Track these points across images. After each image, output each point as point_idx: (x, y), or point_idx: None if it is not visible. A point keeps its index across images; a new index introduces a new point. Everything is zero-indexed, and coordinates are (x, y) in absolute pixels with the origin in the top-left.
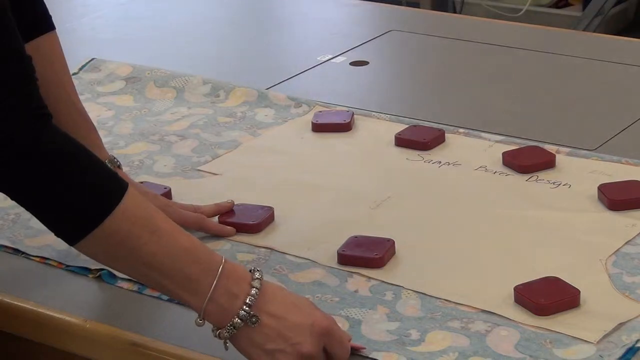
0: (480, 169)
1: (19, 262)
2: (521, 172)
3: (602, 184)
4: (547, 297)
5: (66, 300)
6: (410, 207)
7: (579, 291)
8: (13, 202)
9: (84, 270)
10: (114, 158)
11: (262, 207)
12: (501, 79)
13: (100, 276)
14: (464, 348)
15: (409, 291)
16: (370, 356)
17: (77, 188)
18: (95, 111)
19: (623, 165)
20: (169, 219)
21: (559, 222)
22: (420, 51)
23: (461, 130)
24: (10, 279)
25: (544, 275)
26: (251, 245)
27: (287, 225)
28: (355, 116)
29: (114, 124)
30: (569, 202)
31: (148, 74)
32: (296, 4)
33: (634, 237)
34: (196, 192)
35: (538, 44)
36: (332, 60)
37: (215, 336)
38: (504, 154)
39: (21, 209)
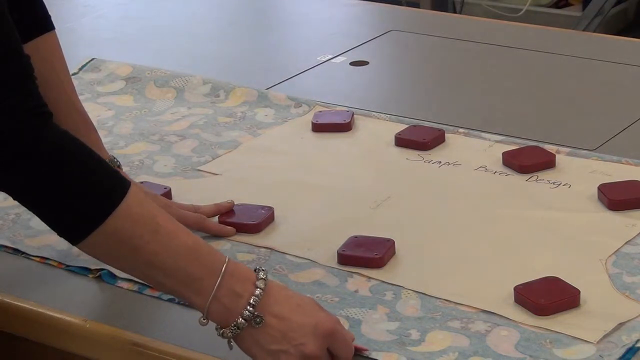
0: (480, 169)
1: (19, 262)
2: (521, 172)
3: (602, 184)
4: (547, 297)
5: (66, 300)
6: (410, 207)
7: (579, 291)
8: (13, 202)
9: (84, 270)
10: (114, 158)
11: (262, 207)
12: (501, 79)
13: (100, 276)
14: (464, 348)
15: (409, 291)
16: (370, 356)
17: (79, 187)
18: (95, 111)
19: (623, 165)
20: (172, 217)
21: (559, 222)
22: (420, 51)
23: (461, 130)
24: (10, 279)
25: (544, 275)
26: (251, 245)
27: (287, 225)
28: (355, 116)
29: (114, 124)
30: (569, 202)
31: (148, 74)
32: (296, 4)
33: (634, 237)
34: (196, 192)
35: (538, 44)
36: (332, 60)
37: (219, 335)
38: (504, 154)
39: (21, 209)
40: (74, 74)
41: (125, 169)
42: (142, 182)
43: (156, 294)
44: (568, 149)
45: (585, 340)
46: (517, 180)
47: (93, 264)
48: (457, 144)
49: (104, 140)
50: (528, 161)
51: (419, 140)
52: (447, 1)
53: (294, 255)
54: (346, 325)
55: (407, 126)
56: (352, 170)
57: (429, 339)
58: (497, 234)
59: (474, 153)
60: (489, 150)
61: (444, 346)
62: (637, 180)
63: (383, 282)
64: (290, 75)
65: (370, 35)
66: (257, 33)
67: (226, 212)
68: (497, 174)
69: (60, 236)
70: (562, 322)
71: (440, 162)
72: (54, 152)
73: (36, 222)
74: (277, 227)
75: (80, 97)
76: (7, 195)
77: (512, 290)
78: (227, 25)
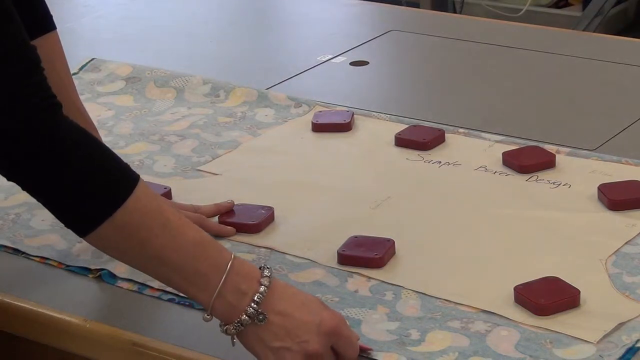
0: (480, 169)
1: (19, 262)
2: (521, 172)
3: (602, 184)
4: (547, 297)
5: (66, 300)
6: (410, 207)
7: (579, 291)
8: (13, 202)
9: (84, 270)
10: None
11: (262, 207)
12: (501, 79)
13: (100, 276)
14: (464, 348)
15: (409, 291)
16: (370, 356)
17: (89, 179)
18: (95, 111)
19: (623, 165)
20: (179, 212)
21: (559, 222)
22: (420, 51)
23: (461, 130)
24: (10, 279)
25: (544, 275)
26: (251, 245)
27: (287, 225)
28: (355, 116)
29: (114, 124)
30: (569, 202)
31: (148, 74)
32: (296, 4)
33: (634, 237)
34: (196, 192)
35: (538, 44)
36: (332, 60)
37: (223, 332)
38: (504, 154)
39: (22, 209)
40: (74, 74)
41: None
42: None
43: (156, 294)
44: (568, 149)
45: (585, 340)
46: (517, 180)
47: (93, 264)
48: (457, 144)
49: (104, 140)
50: (528, 161)
51: (419, 140)
52: (447, 1)
53: (294, 255)
54: None
55: (407, 126)
56: (352, 170)
57: (429, 339)
58: (497, 234)
59: (474, 153)
60: (489, 150)
61: (444, 346)
62: (637, 180)
63: (383, 282)
64: (290, 75)
65: (370, 35)
66: (257, 33)
67: (226, 212)
68: (497, 174)
69: (68, 228)
70: (562, 322)
71: (440, 162)
72: (64, 143)
73: (36, 222)
74: (277, 227)
75: (81, 97)
76: (7, 195)
77: (512, 290)
78: (227, 25)
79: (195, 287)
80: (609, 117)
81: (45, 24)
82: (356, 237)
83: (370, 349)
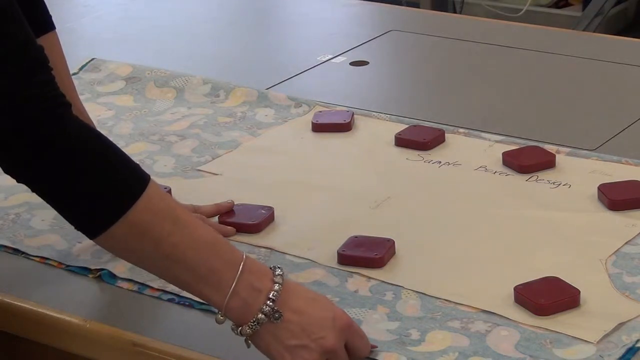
0: (480, 169)
1: (19, 262)
2: (521, 172)
3: (602, 184)
4: (547, 297)
5: (66, 300)
6: (410, 207)
7: (579, 291)
8: (13, 202)
9: (84, 270)
10: None
11: (262, 207)
12: (501, 79)
13: (100, 276)
14: (464, 348)
15: (409, 291)
16: (370, 356)
17: (100, 178)
18: (95, 111)
19: (623, 165)
20: (190, 212)
21: (559, 222)
22: (420, 51)
23: (461, 130)
24: (10, 279)
25: (544, 275)
26: (251, 245)
27: (287, 225)
28: (355, 116)
29: (114, 124)
30: (569, 202)
31: (148, 74)
32: (296, 4)
33: (634, 237)
34: (196, 192)
35: (538, 44)
36: (332, 60)
37: (237, 333)
38: (504, 154)
39: (22, 209)
40: (74, 74)
41: None
42: None
43: (156, 294)
44: (568, 149)
45: (585, 340)
46: (517, 180)
47: (93, 264)
48: (457, 144)
49: None
50: (528, 161)
51: (419, 140)
52: (447, 1)
53: (294, 255)
54: None
55: (407, 126)
56: (352, 170)
57: (429, 338)
58: (497, 234)
59: (474, 153)
60: (489, 150)
61: (444, 346)
62: (637, 180)
63: (383, 282)
64: (290, 75)
65: (370, 35)
66: (257, 33)
67: (226, 212)
68: (497, 174)
69: (79, 229)
70: (562, 322)
71: (440, 162)
72: (75, 142)
73: (36, 222)
74: (277, 227)
75: (81, 97)
76: (7, 195)
77: (512, 290)
78: (227, 25)
79: (209, 287)
80: (609, 117)
81: (44, 24)
82: (356, 237)
83: (375, 346)
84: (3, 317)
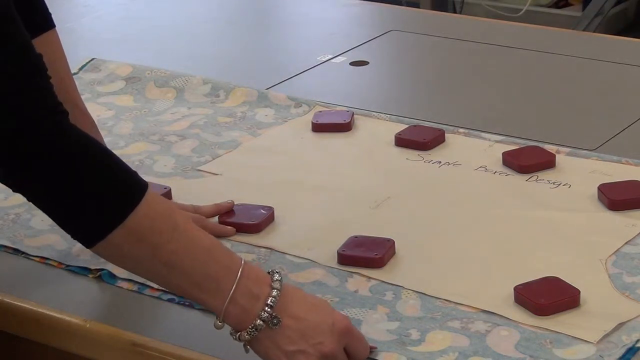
0: (480, 169)
1: (19, 262)
2: (521, 172)
3: (602, 184)
4: (547, 297)
5: (66, 300)
6: (410, 207)
7: (579, 291)
8: (13, 202)
9: (84, 270)
10: None
11: (262, 207)
12: (501, 79)
13: (100, 276)
14: (464, 348)
15: (409, 291)
16: (370, 356)
17: (99, 185)
18: (95, 111)
19: (623, 165)
20: (188, 218)
21: (559, 222)
22: (420, 51)
23: (461, 130)
24: (10, 279)
25: (544, 275)
26: (251, 245)
27: (287, 225)
28: (355, 116)
29: (114, 124)
30: (569, 202)
31: (148, 74)
32: (296, 4)
33: (634, 237)
34: (196, 192)
35: (538, 44)
36: (332, 60)
37: (236, 339)
38: (504, 154)
39: (22, 209)
40: (74, 74)
41: None
42: None
43: (156, 294)
44: (568, 149)
45: (585, 340)
46: (517, 180)
47: (93, 264)
48: (457, 144)
49: (105, 141)
50: (528, 161)
51: (419, 140)
52: (447, 1)
53: (294, 255)
54: None
55: (407, 126)
56: (352, 170)
57: (429, 339)
58: (497, 234)
59: (474, 153)
60: (489, 150)
61: (444, 346)
62: (637, 180)
63: (383, 282)
64: (290, 75)
65: (370, 35)
66: (257, 33)
67: (226, 212)
68: (497, 174)
69: (76, 238)
70: (562, 322)
71: (440, 162)
72: (73, 150)
73: (36, 222)
74: (277, 227)
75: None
76: (7, 195)
77: (512, 290)
78: (227, 25)
79: (207, 293)
80: (609, 117)
81: (44, 22)
82: (356, 237)
83: (375, 347)
84: (3, 317)
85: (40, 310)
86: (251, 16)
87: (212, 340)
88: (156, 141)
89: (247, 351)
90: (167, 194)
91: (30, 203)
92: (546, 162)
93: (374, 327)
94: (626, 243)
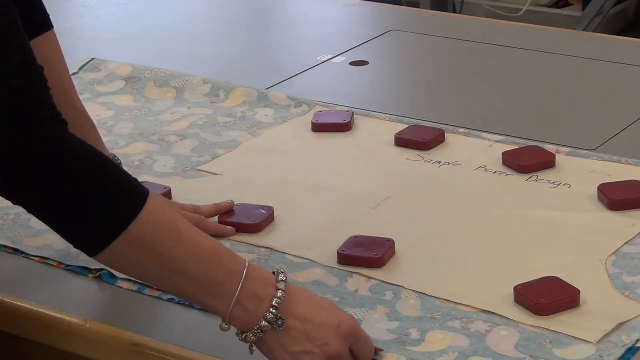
0: (480, 169)
1: (19, 262)
2: (521, 172)
3: (602, 184)
4: (547, 297)
5: (66, 300)
6: (410, 207)
7: (579, 291)
8: None
9: (84, 270)
10: (115, 156)
11: (262, 207)
12: (501, 79)
13: (100, 276)
14: (464, 348)
15: (409, 291)
16: (374, 357)
17: (100, 194)
18: (95, 111)
19: (623, 165)
20: (190, 223)
21: (559, 222)
22: (420, 51)
23: (461, 130)
24: (10, 279)
25: (544, 275)
26: (251, 245)
27: (287, 225)
28: (355, 116)
29: (114, 124)
30: (569, 202)
31: (148, 74)
32: (296, 4)
33: (634, 237)
34: (196, 192)
35: (538, 44)
36: (332, 60)
37: (241, 340)
38: (504, 154)
39: (22, 209)
40: (74, 74)
41: (125, 169)
42: (142, 182)
43: (156, 294)
44: (568, 149)
45: (585, 340)
46: (517, 180)
47: (93, 264)
48: (457, 144)
49: (104, 140)
50: (528, 161)
51: (419, 140)
52: (447, 1)
53: (294, 255)
54: None
55: (407, 126)
56: (352, 170)
57: (429, 338)
58: (497, 233)
59: (474, 153)
60: (489, 150)
61: (444, 346)
62: (637, 180)
63: (383, 282)
64: (290, 75)
65: (370, 35)
66: (257, 33)
67: (226, 212)
68: (497, 174)
69: (77, 248)
70: (562, 322)
71: (440, 162)
72: (74, 161)
73: (36, 222)
74: (277, 227)
75: (80, 97)
76: None
77: (512, 290)
78: (227, 25)
79: (212, 297)
80: (609, 117)
81: (43, 23)
82: (356, 237)
83: (381, 350)
84: (3, 317)
85: (40, 310)
86: (251, 16)
87: (212, 340)
88: (156, 141)
89: (252, 352)
90: (167, 194)
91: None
92: (546, 162)
93: (374, 327)
94: (626, 243)
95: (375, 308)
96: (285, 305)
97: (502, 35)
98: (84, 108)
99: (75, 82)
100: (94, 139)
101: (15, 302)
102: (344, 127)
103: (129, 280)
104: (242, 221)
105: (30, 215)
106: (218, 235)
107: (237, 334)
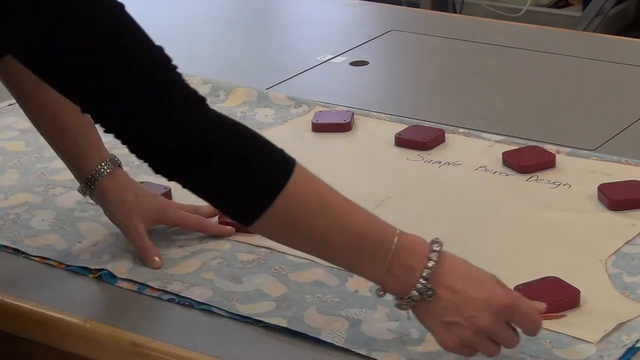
0: (480, 169)
1: (19, 262)
2: (521, 172)
3: (602, 184)
4: (547, 297)
5: (66, 300)
6: (410, 207)
7: (579, 291)
8: (13, 202)
9: (84, 270)
10: (115, 157)
11: None
12: (501, 79)
13: (100, 276)
14: None
15: None
16: (370, 356)
17: (248, 168)
18: None
19: (623, 165)
20: (338, 192)
21: (559, 222)
22: (420, 51)
23: (461, 130)
24: (10, 279)
25: (544, 275)
26: (251, 245)
27: None
28: (355, 116)
29: None
30: (569, 202)
31: None
32: (296, 4)
33: (634, 237)
34: None
35: (538, 44)
36: (332, 60)
37: (396, 306)
38: (504, 154)
39: (21, 209)
40: None
41: (125, 169)
42: (142, 182)
43: (156, 294)
44: (568, 149)
45: (585, 340)
46: (517, 180)
47: (93, 264)
48: (457, 144)
49: (104, 140)
50: (528, 161)
51: (419, 140)
52: (447, 1)
53: (294, 255)
54: (346, 325)
55: (407, 126)
56: (352, 170)
57: (429, 338)
58: (497, 234)
59: (474, 153)
60: (489, 150)
61: None
62: (637, 180)
63: None
64: (290, 75)
65: (370, 35)
66: (257, 33)
67: None
68: (497, 174)
69: (233, 219)
70: (562, 322)
71: (440, 162)
72: (221, 134)
73: (36, 222)
74: None
75: None
76: (7, 195)
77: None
78: (227, 25)
79: (363, 266)
80: (609, 117)
81: None
82: None
83: (564, 315)
84: (3, 317)
85: (40, 310)
86: (251, 16)
87: (212, 340)
88: None
89: (408, 318)
90: (167, 194)
91: (30, 203)
92: (546, 162)
93: (374, 327)
94: (626, 243)
95: (375, 308)
96: (436, 275)
97: (502, 35)
98: None
99: None
100: (94, 139)
101: (15, 302)
102: (344, 127)
103: (129, 280)
104: None
105: (30, 215)
106: (218, 236)
107: (394, 300)
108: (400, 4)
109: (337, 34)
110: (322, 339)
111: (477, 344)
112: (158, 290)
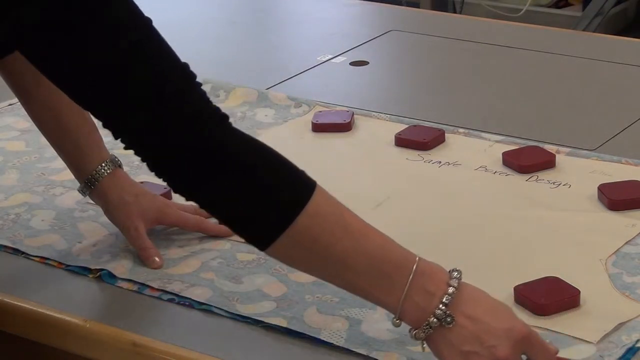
0: (480, 169)
1: (19, 262)
2: (521, 172)
3: (602, 184)
4: (547, 297)
5: (66, 300)
6: (410, 207)
7: (579, 291)
8: (13, 202)
9: (84, 270)
10: (115, 157)
11: None
12: (501, 79)
13: (100, 276)
14: None
15: None
16: (370, 356)
17: (269, 188)
18: None
19: (623, 165)
20: (357, 215)
21: (559, 222)
22: (420, 51)
23: (461, 130)
24: (10, 279)
25: (544, 275)
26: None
27: None
28: (355, 116)
29: None
30: (569, 202)
31: None
32: (296, 4)
33: (634, 237)
34: None
35: (538, 44)
36: (332, 60)
37: (412, 337)
38: (504, 154)
39: (21, 209)
40: None
41: (125, 169)
42: (142, 182)
43: (156, 294)
44: (568, 149)
45: (585, 340)
46: (517, 180)
47: (93, 264)
48: (457, 144)
49: (104, 140)
50: (528, 161)
51: (419, 140)
52: (447, 1)
53: None
54: (346, 325)
55: (407, 126)
56: (352, 170)
57: None
58: (497, 233)
59: (474, 153)
60: (489, 150)
61: None
62: (637, 180)
63: None
64: (290, 75)
65: (370, 35)
66: (257, 33)
67: None
68: (497, 174)
69: (250, 243)
70: (562, 322)
71: (440, 162)
72: (243, 154)
73: (36, 222)
74: None
75: None
76: (7, 195)
77: (512, 290)
78: (227, 25)
79: (382, 292)
80: (609, 117)
81: None
82: None
83: None
84: (3, 317)
85: (40, 310)
86: (251, 16)
87: (212, 340)
88: None
89: (423, 349)
90: (167, 194)
91: (30, 203)
92: (546, 162)
93: (374, 327)
94: (626, 243)
95: (375, 308)
96: (455, 302)
97: (502, 35)
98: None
99: None
100: (94, 140)
101: (15, 302)
102: (344, 127)
103: (129, 280)
104: None
105: (30, 215)
106: (218, 236)
107: (409, 331)
108: (400, 4)
109: (337, 34)
110: (322, 339)
111: None
112: (158, 290)
